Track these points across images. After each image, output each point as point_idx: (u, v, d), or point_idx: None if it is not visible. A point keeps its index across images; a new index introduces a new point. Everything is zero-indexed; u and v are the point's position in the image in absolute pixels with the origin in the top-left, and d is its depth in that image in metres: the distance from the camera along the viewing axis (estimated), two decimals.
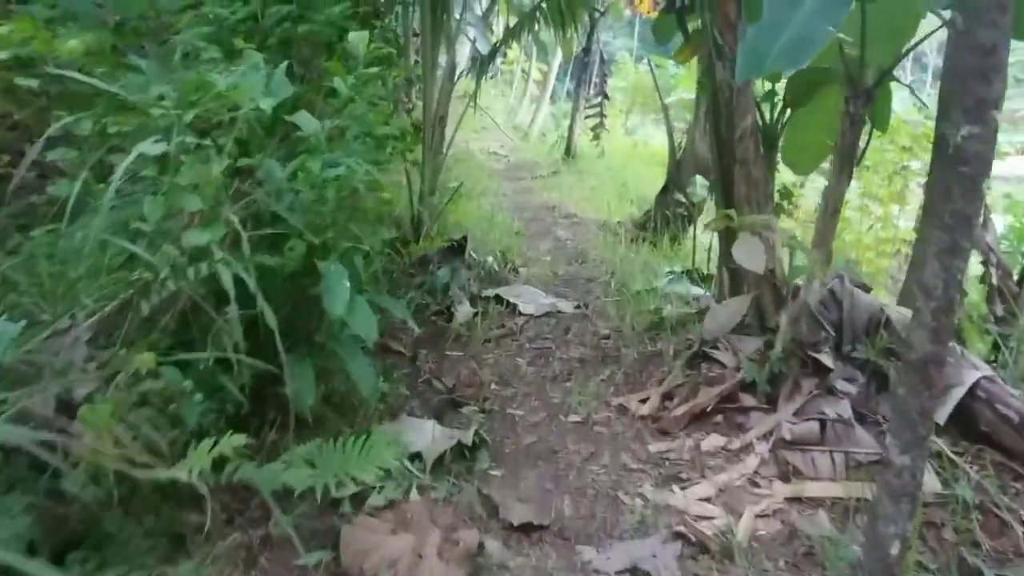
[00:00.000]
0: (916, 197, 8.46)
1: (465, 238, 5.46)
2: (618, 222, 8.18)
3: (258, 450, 2.51)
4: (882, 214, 8.83)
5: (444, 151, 6.64)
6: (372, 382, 2.86)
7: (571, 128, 11.67)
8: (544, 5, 5.98)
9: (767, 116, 3.97)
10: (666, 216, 7.67)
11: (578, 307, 5.02)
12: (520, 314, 4.79)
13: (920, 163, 8.72)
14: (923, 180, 7.32)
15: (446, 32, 5.63)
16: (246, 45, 3.26)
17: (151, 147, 2.25)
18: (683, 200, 7.63)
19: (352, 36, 3.12)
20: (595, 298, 5.29)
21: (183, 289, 2.23)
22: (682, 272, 6.08)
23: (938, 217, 1.74)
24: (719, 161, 3.84)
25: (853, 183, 10.76)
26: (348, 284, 2.42)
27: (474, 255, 5.56)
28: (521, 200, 9.35)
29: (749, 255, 3.00)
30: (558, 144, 13.63)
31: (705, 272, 6.07)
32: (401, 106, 6.89)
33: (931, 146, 3.67)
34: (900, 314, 3.46)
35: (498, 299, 4.93)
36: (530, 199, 9.36)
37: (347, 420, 3.01)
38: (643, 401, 3.53)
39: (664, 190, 7.87)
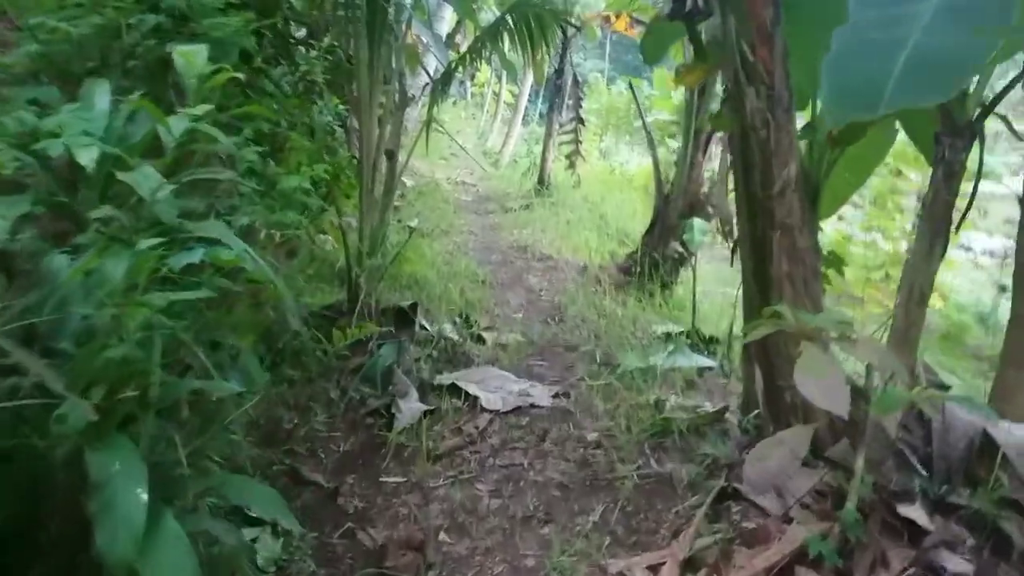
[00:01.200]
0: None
1: (415, 305, 4.37)
2: (600, 266, 7.14)
3: None
4: (891, 252, 7.89)
5: (395, 188, 5.60)
6: None
7: (544, 155, 10.66)
8: (510, 19, 4.95)
9: (806, 159, 2.94)
10: (654, 259, 6.63)
11: (557, 396, 3.92)
12: (483, 410, 3.68)
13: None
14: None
15: (384, 56, 4.56)
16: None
17: None
18: (676, 244, 6.61)
19: (182, 54, 2.02)
20: (578, 378, 4.21)
21: None
22: (680, 334, 5.04)
23: None
24: (749, 223, 2.77)
25: (850, 211, 9.84)
26: (144, 496, 1.32)
27: (426, 326, 4.47)
28: (489, 239, 8.28)
29: (823, 390, 1.92)
30: (530, 172, 12.60)
31: (708, 334, 5.04)
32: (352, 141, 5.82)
33: None
34: (1013, 437, 2.42)
35: (455, 389, 3.83)
36: (499, 238, 8.29)
37: None
38: (654, 571, 2.45)
39: (651, 230, 6.84)
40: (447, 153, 15.95)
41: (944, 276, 8.23)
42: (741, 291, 3.17)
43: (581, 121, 10.45)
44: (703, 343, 4.93)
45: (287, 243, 4.59)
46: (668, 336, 5.05)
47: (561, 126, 10.79)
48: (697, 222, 5.30)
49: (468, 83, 28.11)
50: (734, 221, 3.27)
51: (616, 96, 28.18)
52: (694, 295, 5.15)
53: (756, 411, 2.90)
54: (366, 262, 4.22)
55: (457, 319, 4.93)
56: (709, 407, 3.56)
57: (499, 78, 20.51)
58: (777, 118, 2.50)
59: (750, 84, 2.57)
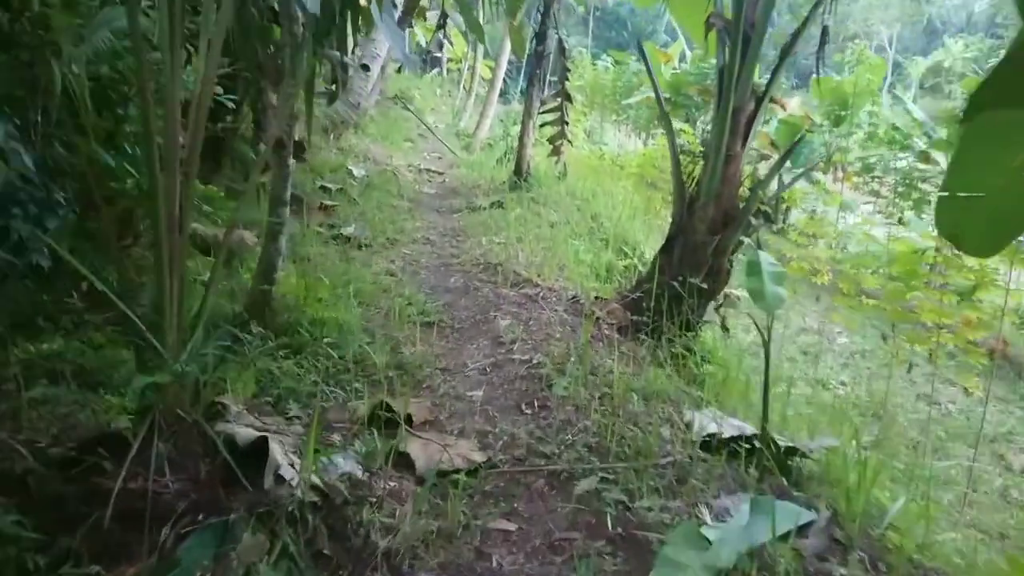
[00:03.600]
0: None
1: (265, 441, 2.28)
2: (596, 296, 5.11)
3: None
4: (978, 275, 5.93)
5: (286, 196, 3.63)
6: None
7: (522, 140, 8.56)
8: None
9: None
10: (674, 290, 4.62)
11: None
12: None
13: None
14: None
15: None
16: None
17: None
18: (700, 266, 4.59)
19: None
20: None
21: None
22: (739, 441, 3.03)
23: None
24: None
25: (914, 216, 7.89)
26: None
27: (287, 475, 2.39)
28: (450, 252, 6.21)
29: None
30: (507, 158, 10.51)
31: (785, 442, 3.04)
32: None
33: None
34: None
35: None
36: (463, 249, 6.22)
37: None
38: None
39: (669, 247, 4.82)
40: (414, 134, 13.80)
41: None
42: None
43: (568, 98, 8.36)
44: (778, 459, 2.94)
45: None
46: (719, 444, 3.04)
47: (543, 104, 8.69)
48: (765, 261, 3.19)
49: (444, 56, 25.87)
50: None
51: (601, 72, 26.06)
52: (767, 385, 3.11)
53: None
54: (168, 363, 2.14)
55: (371, 436, 2.88)
56: None
57: (475, 50, 18.27)
58: None
59: None
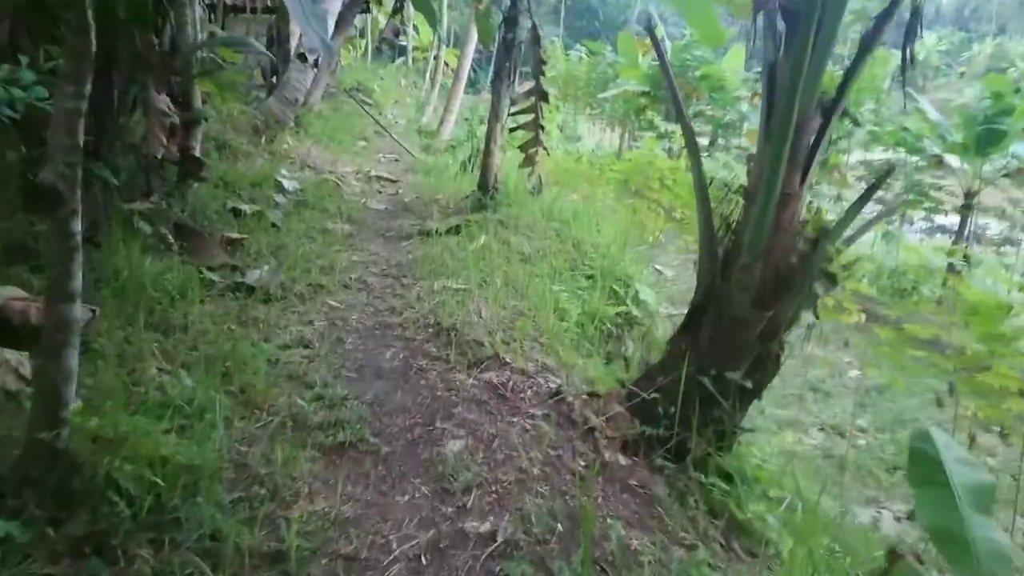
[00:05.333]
0: None
1: None
2: (588, 391, 3.58)
3: None
4: None
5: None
6: None
7: (488, 147, 6.97)
8: None
9: None
10: (701, 385, 3.13)
11: None
12: None
13: None
14: None
15: None
16: None
17: None
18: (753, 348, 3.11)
19: None
20: None
21: None
22: None
23: None
24: None
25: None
26: None
27: None
28: (391, 302, 4.64)
29: None
30: (471, 163, 8.95)
31: None
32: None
33: None
34: None
35: None
36: (408, 300, 4.65)
37: None
38: None
39: (694, 322, 3.32)
40: (370, 132, 12.16)
41: None
42: None
43: (543, 96, 6.81)
44: None
45: None
46: None
47: (513, 103, 7.13)
48: (950, 457, 1.66)
49: (409, 44, 24.16)
50: None
51: (574, 63, 24.53)
52: None
53: None
54: None
55: None
56: None
57: (438, 38, 16.63)
58: None
59: None
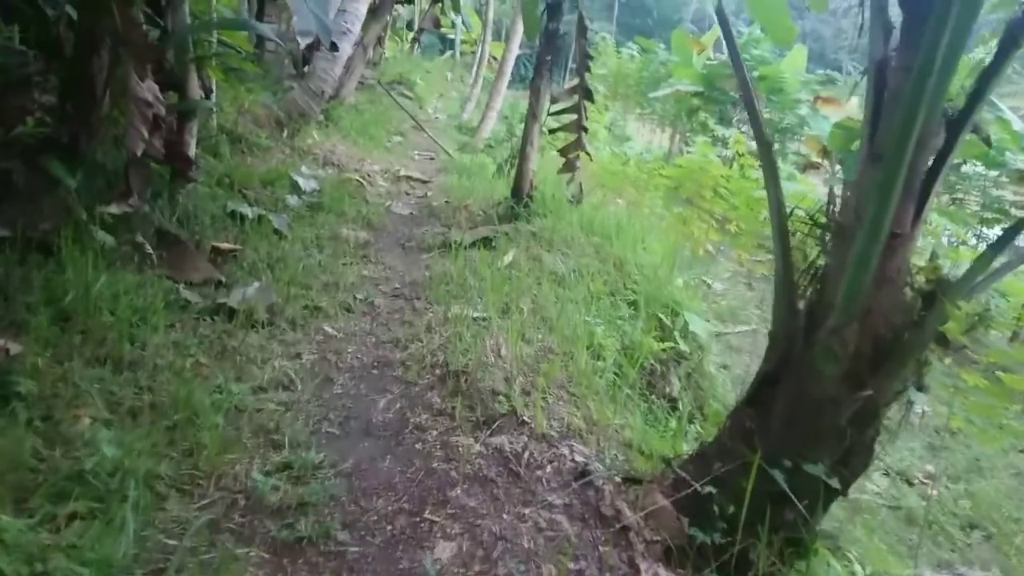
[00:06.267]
0: None
1: None
2: (624, 479, 2.83)
3: None
4: None
5: None
6: None
7: (524, 151, 6.24)
8: None
9: None
10: (769, 478, 2.37)
11: None
12: None
13: None
14: None
15: None
16: None
17: None
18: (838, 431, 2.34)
19: None
20: None
21: None
22: None
23: None
24: None
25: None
26: None
27: None
28: (396, 333, 3.94)
29: None
30: (508, 166, 8.24)
31: None
32: None
33: None
34: None
35: None
36: (416, 331, 3.93)
37: None
38: None
39: (761, 398, 2.56)
40: (407, 127, 11.51)
41: None
42: None
43: (587, 94, 6.06)
44: None
45: None
46: None
47: (555, 100, 6.38)
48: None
49: (456, 36, 23.54)
50: None
51: (626, 60, 23.59)
52: None
53: None
54: None
55: None
56: None
57: (485, 29, 15.93)
58: None
59: None
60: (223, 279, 4.14)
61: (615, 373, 4.07)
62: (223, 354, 3.38)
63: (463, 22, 21.86)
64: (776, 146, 17.85)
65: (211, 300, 3.79)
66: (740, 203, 8.83)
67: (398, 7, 16.05)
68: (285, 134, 7.42)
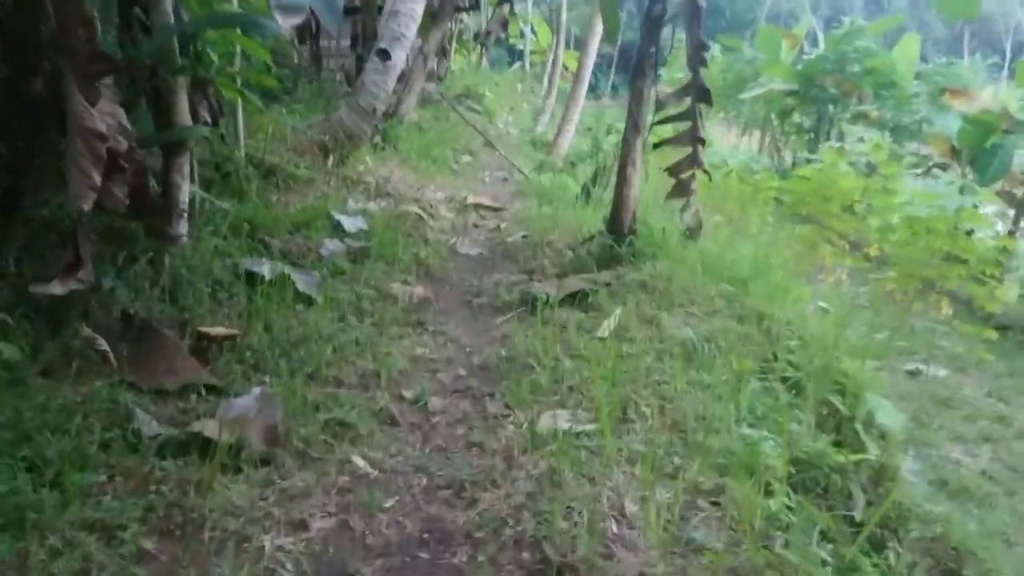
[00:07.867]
0: None
1: None
2: None
3: None
4: None
5: None
6: None
7: (624, 171, 4.77)
8: None
9: None
10: None
11: None
12: None
13: None
14: None
15: None
16: None
17: None
18: None
19: None
20: None
21: None
22: None
23: None
24: None
25: None
26: None
27: None
28: (455, 466, 2.55)
29: None
30: (596, 187, 6.80)
31: None
32: None
33: None
34: None
35: None
36: (485, 461, 2.56)
37: None
38: None
39: None
40: (477, 145, 10.21)
41: None
42: None
43: (705, 96, 4.57)
44: None
45: None
46: None
47: (660, 105, 4.91)
48: None
49: (526, 47, 22.26)
50: None
51: (718, 60, 21.78)
52: None
53: None
54: None
55: None
56: None
57: (557, 35, 14.57)
58: None
59: None
60: (215, 382, 2.86)
61: (787, 514, 2.57)
62: (173, 532, 2.07)
63: (531, 30, 20.65)
64: (893, 146, 15.84)
65: (179, 427, 2.50)
66: (881, 221, 7.16)
67: (463, 17, 14.87)
68: (331, 162, 6.19)
